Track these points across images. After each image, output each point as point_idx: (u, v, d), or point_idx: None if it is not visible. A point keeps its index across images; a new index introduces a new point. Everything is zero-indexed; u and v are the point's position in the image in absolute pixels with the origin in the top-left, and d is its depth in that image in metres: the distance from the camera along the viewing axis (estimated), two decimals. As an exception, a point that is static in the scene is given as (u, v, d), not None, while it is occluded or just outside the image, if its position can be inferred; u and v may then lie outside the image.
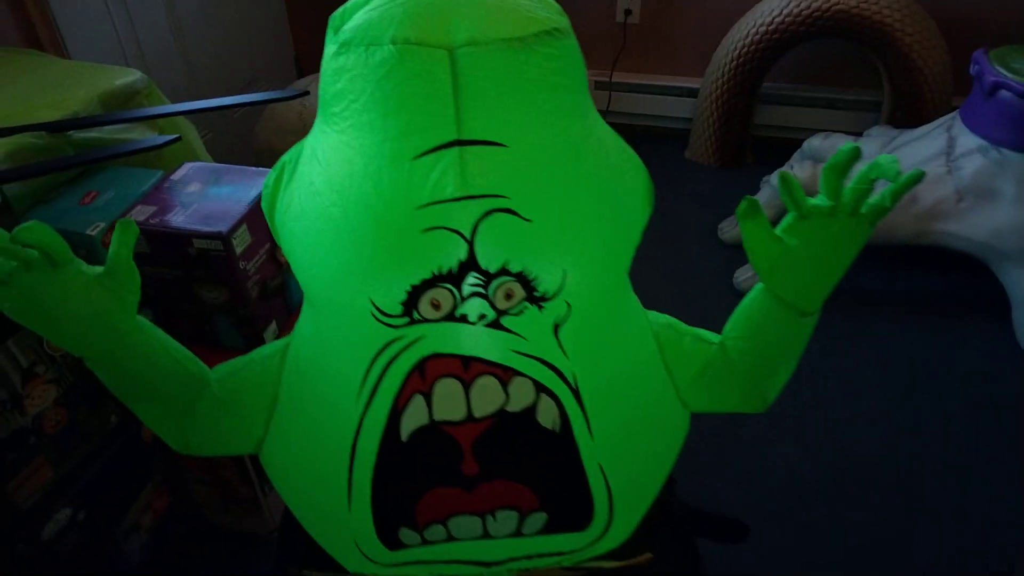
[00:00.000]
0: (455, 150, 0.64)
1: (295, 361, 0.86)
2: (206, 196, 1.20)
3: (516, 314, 0.71)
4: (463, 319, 0.70)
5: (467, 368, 0.72)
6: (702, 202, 2.33)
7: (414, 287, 0.68)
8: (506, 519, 0.81)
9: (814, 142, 2.11)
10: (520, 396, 0.74)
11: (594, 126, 0.74)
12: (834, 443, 1.58)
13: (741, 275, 1.95)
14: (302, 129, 1.93)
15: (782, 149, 2.18)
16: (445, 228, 0.65)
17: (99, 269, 0.80)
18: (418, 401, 0.74)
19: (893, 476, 1.51)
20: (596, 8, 2.51)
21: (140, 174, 1.27)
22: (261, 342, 1.25)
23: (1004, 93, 1.62)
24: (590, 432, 0.79)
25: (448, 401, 0.73)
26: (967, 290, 1.94)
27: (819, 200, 0.80)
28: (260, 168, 1.29)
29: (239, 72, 2.27)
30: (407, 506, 0.80)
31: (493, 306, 0.70)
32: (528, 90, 0.65)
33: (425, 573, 0.88)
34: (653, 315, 0.93)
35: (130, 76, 1.33)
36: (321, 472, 0.84)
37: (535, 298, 0.70)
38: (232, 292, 1.19)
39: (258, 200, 1.19)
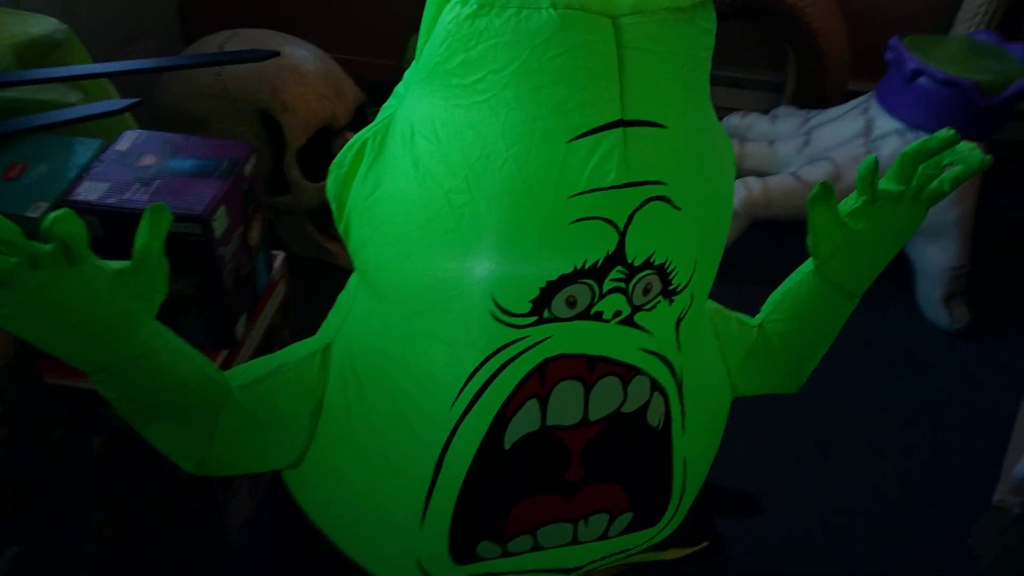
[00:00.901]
0: (619, 131, 0.57)
1: (348, 363, 0.75)
2: (168, 171, 1.03)
3: (649, 309, 0.66)
4: (597, 316, 0.64)
5: (592, 369, 0.66)
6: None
7: (550, 283, 0.61)
8: (597, 522, 0.76)
9: (732, 120, 2.18)
10: (637, 396, 0.70)
11: (710, 108, 0.69)
12: (794, 407, 1.65)
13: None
14: (222, 92, 1.73)
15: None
16: (599, 219, 0.59)
17: (120, 265, 0.66)
18: (532, 406, 0.67)
19: (810, 433, 1.60)
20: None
21: (73, 144, 1.06)
22: (231, 337, 1.11)
23: (924, 80, 1.74)
24: (683, 427, 0.76)
25: (566, 405, 0.67)
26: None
27: (889, 184, 0.82)
28: (223, 140, 1.13)
29: (122, 25, 1.98)
30: (497, 518, 0.73)
31: (630, 302, 0.64)
32: (684, 65, 0.60)
33: (490, 584, 0.82)
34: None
35: (48, 25, 1.11)
36: (389, 488, 0.75)
37: (669, 292, 0.66)
38: (205, 283, 1.04)
39: (236, 176, 1.04)
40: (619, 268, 0.62)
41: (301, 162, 1.73)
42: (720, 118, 0.70)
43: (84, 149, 1.06)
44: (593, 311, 0.64)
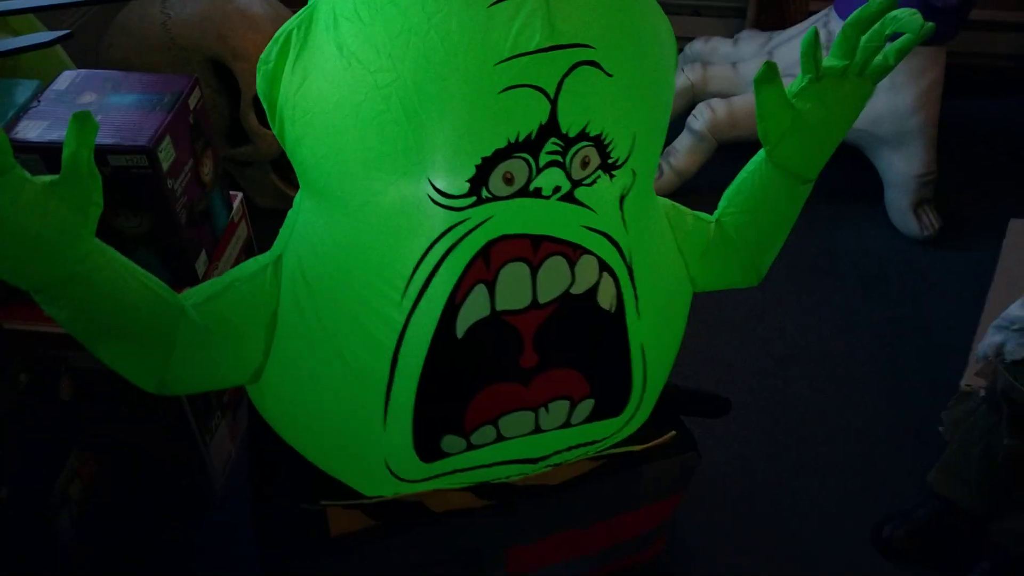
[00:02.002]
0: (539, -7, 0.56)
1: (298, 272, 0.75)
2: (109, 107, 1.01)
3: (589, 184, 0.65)
4: (536, 193, 0.64)
5: (537, 249, 0.66)
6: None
7: (485, 159, 0.61)
8: (558, 410, 0.77)
9: (695, 45, 2.16)
10: (585, 276, 0.70)
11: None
12: (759, 327, 1.67)
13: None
14: (169, 43, 1.69)
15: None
16: (528, 86, 0.58)
17: (50, 177, 0.65)
18: (480, 291, 0.67)
19: (818, 352, 1.62)
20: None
21: (10, 86, 1.04)
22: (193, 276, 1.10)
23: (879, -14, 1.73)
24: (638, 311, 0.77)
25: (514, 288, 0.67)
26: (840, 178, 2.10)
27: (833, 60, 0.81)
28: (165, 75, 1.10)
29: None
30: (457, 410, 0.74)
31: (569, 176, 0.64)
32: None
33: (457, 482, 0.83)
34: (659, 198, 0.91)
35: (-26, -34, 1.07)
36: (348, 391, 0.75)
37: (608, 165, 0.65)
38: (157, 218, 1.03)
39: (179, 108, 1.02)
40: (554, 140, 0.61)
41: (258, 110, 1.70)
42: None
43: (22, 91, 1.04)
44: (532, 187, 0.63)
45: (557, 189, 0.64)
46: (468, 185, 0.62)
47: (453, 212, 0.63)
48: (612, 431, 0.86)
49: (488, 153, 0.60)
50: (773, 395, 1.52)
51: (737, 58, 2.07)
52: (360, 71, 0.60)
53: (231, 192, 1.25)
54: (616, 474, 0.97)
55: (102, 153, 0.95)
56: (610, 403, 0.81)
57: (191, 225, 1.08)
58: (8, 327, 1.00)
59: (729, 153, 1.95)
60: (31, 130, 0.96)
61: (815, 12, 2.11)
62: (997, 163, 2.18)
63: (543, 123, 0.60)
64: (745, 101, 1.89)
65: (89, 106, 1.01)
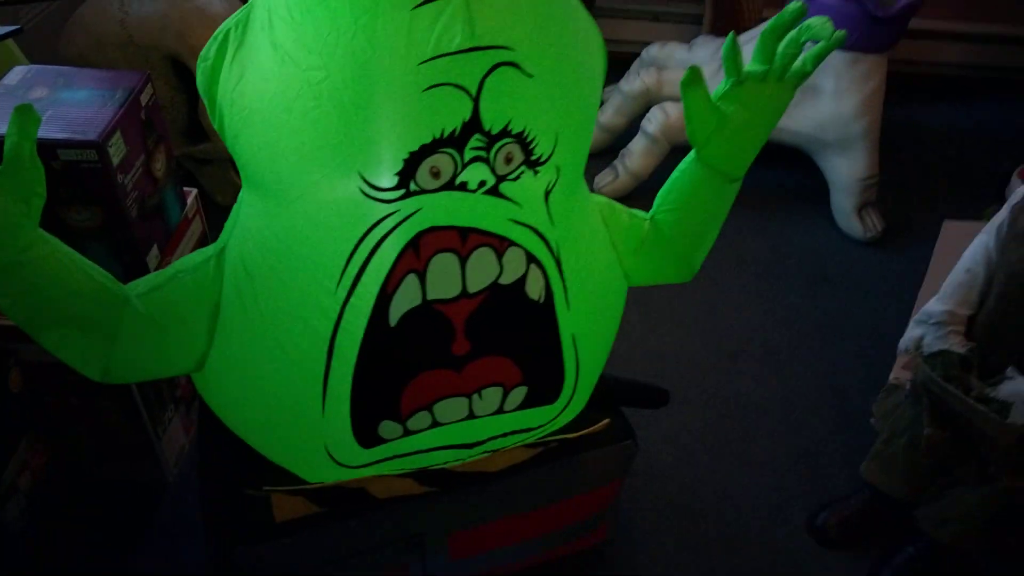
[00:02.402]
0: (460, -3, 0.60)
1: (239, 263, 0.77)
2: (60, 101, 1.03)
3: (514, 179, 0.69)
4: (463, 187, 0.67)
5: (464, 241, 0.70)
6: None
7: (412, 154, 0.64)
8: (491, 396, 0.81)
9: (652, 50, 2.21)
10: (513, 267, 0.73)
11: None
12: (708, 324, 1.72)
13: (599, 182, 2.03)
14: (127, 40, 1.70)
15: (616, 61, 2.26)
16: (450, 84, 0.62)
17: (-8, 168, 0.67)
18: (411, 281, 0.70)
19: (762, 349, 1.67)
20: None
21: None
22: (144, 269, 1.11)
23: (823, -4, 1.79)
24: (567, 303, 0.80)
25: (443, 278, 0.71)
26: (788, 181, 2.17)
27: (753, 66, 0.85)
28: (117, 71, 1.12)
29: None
30: (392, 396, 0.77)
31: (493, 171, 0.67)
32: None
33: (396, 467, 0.86)
34: (594, 196, 0.95)
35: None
36: (287, 378, 0.77)
37: (531, 161, 0.69)
38: (108, 212, 1.04)
39: (131, 103, 1.04)
40: (477, 136, 0.65)
41: (216, 108, 1.71)
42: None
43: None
44: (458, 181, 0.67)
45: (482, 183, 0.68)
46: (397, 179, 0.65)
47: (383, 204, 0.67)
48: (547, 419, 0.90)
49: (415, 148, 0.64)
50: (718, 390, 1.57)
51: (692, 63, 2.12)
52: (293, 68, 0.63)
53: (185, 188, 1.27)
54: (555, 461, 1.00)
55: (52, 147, 0.97)
56: (543, 391, 0.85)
57: (142, 219, 1.10)
58: (-44, 319, 1.01)
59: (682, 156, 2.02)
60: (-20, 124, 0.97)
61: (768, 19, 2.18)
62: (939, 167, 2.26)
63: (466, 120, 0.64)
64: (696, 105, 1.94)
65: (40, 101, 1.03)
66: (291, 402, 0.79)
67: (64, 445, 1.20)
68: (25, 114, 0.66)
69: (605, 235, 0.91)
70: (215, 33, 0.68)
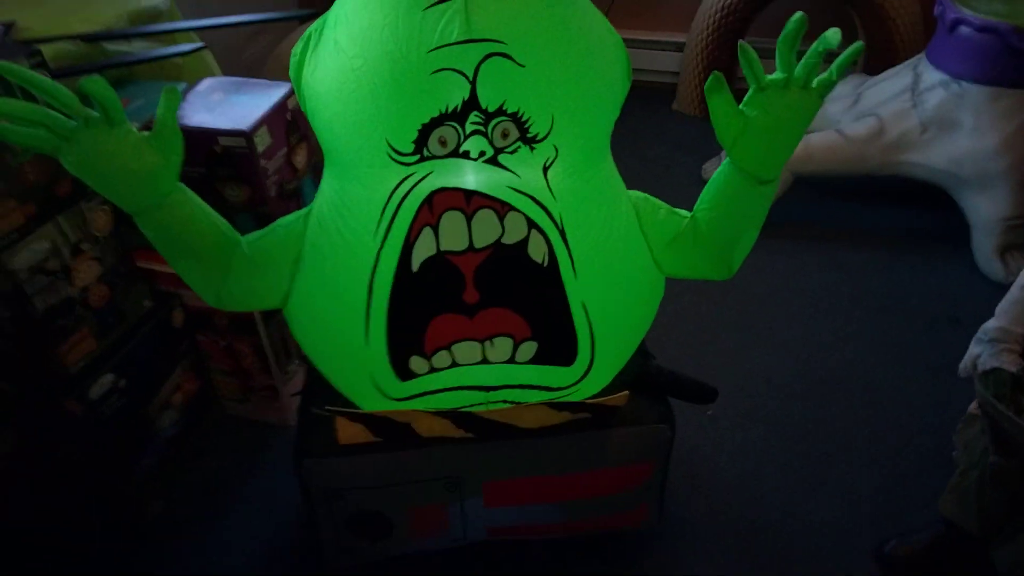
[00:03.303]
0: (461, 1, 0.76)
1: (318, 219, 0.98)
2: (229, 102, 1.32)
3: (511, 152, 0.83)
4: (466, 155, 0.83)
5: (469, 202, 0.85)
6: (687, 149, 2.45)
7: (424, 125, 0.81)
8: (502, 345, 0.94)
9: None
10: (514, 229, 0.87)
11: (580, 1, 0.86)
12: (807, 352, 1.71)
13: (708, 167, 2.08)
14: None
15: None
16: (451, 69, 0.78)
17: (146, 133, 0.92)
18: (427, 233, 0.86)
19: (861, 382, 1.64)
20: (588, -34, 2.63)
21: (167, 86, 1.38)
22: (279, 240, 1.37)
23: (963, 29, 1.74)
24: (574, 271, 0.92)
25: (453, 232, 0.86)
26: (928, 220, 2.08)
27: (775, 75, 0.93)
28: (277, 81, 1.41)
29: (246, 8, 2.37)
30: (417, 332, 0.93)
31: (491, 143, 0.82)
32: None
33: (431, 404, 1.01)
34: (632, 191, 1.06)
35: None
36: (341, 311, 0.96)
37: (528, 139, 0.83)
38: (253, 190, 1.31)
39: (278, 105, 1.31)
40: (476, 113, 0.80)
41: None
42: None
43: (179, 89, 1.37)
44: (461, 150, 0.82)
45: (482, 153, 0.82)
46: (413, 145, 0.82)
47: (404, 167, 0.84)
48: (567, 382, 1.01)
49: (426, 120, 0.80)
50: (803, 413, 1.56)
51: (827, 97, 2.12)
52: (343, 58, 0.82)
53: (326, 182, 1.53)
54: (585, 431, 1.11)
55: (215, 135, 1.25)
56: (555, 351, 0.96)
57: (280, 199, 1.36)
58: (140, 265, 1.32)
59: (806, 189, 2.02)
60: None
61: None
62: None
63: (466, 99, 0.79)
64: (823, 137, 1.95)
65: (217, 102, 1.33)
66: (342, 333, 0.97)
67: (209, 379, 1.48)
68: (171, 94, 0.91)
69: (632, 225, 1.02)
70: (302, 36, 0.90)
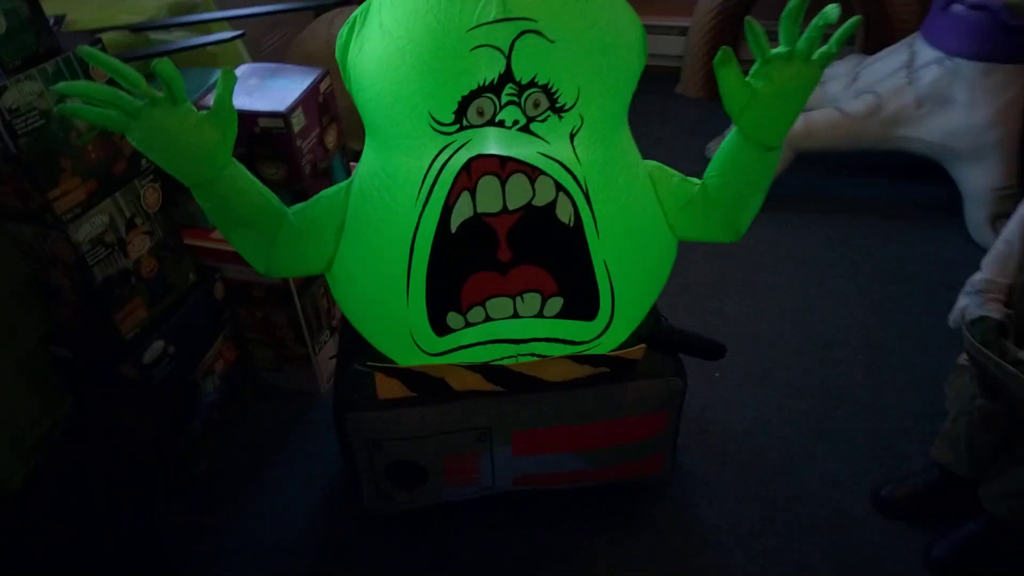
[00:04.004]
0: (496, -18, 0.85)
1: (359, 188, 1.07)
2: (265, 87, 1.41)
3: (542, 121, 0.92)
4: (501, 124, 0.92)
5: (503, 167, 0.94)
6: (692, 130, 2.54)
7: (464, 97, 0.90)
8: (531, 300, 1.03)
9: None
10: (544, 192, 0.96)
11: (600, -20, 0.95)
12: (810, 317, 1.80)
13: (711, 146, 2.18)
14: (330, 56, 2.13)
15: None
16: (489, 46, 0.87)
17: (205, 112, 1.01)
18: (465, 197, 0.95)
19: (860, 343, 1.73)
20: (592, -47, 2.71)
21: (206, 72, 1.48)
22: (313, 215, 1.46)
23: (957, 7, 1.83)
24: (597, 230, 1.01)
25: (488, 195, 0.95)
26: (924, 193, 2.17)
27: (779, 48, 1.01)
28: (309, 67, 1.49)
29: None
30: (454, 290, 1.02)
31: (524, 113, 0.91)
32: (549, -59, 0.87)
33: (465, 358, 1.10)
34: (647, 161, 1.15)
35: (192, -8, 1.53)
36: (384, 271, 1.05)
37: (556, 108, 0.92)
38: (290, 168, 1.40)
39: (311, 89, 1.40)
40: (511, 85, 0.89)
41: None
42: None
43: (212, 75, 1.46)
44: (497, 119, 0.91)
45: (516, 122, 0.91)
46: (453, 116, 0.91)
47: (444, 136, 0.93)
48: (589, 336, 1.10)
49: (465, 92, 0.89)
50: (806, 374, 1.66)
51: (826, 77, 2.21)
52: (389, 38, 0.91)
53: (352, 163, 1.62)
54: (607, 383, 1.20)
55: (255, 117, 1.34)
56: (579, 305, 1.05)
57: (314, 177, 1.45)
58: (187, 242, 1.41)
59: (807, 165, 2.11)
60: (211, 100, 1.36)
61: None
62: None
63: (501, 72, 0.88)
64: (824, 114, 2.04)
65: (254, 86, 1.41)
66: (385, 293, 1.06)
67: (246, 349, 1.58)
68: (227, 75, 1.00)
69: (648, 190, 1.11)
70: (348, 19, 0.99)
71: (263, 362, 1.62)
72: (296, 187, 1.43)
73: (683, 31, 2.73)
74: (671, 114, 2.64)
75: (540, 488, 1.37)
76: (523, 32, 0.87)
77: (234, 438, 1.55)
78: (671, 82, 2.80)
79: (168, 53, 1.41)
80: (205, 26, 1.52)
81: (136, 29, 1.38)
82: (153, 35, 1.42)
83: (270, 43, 2.45)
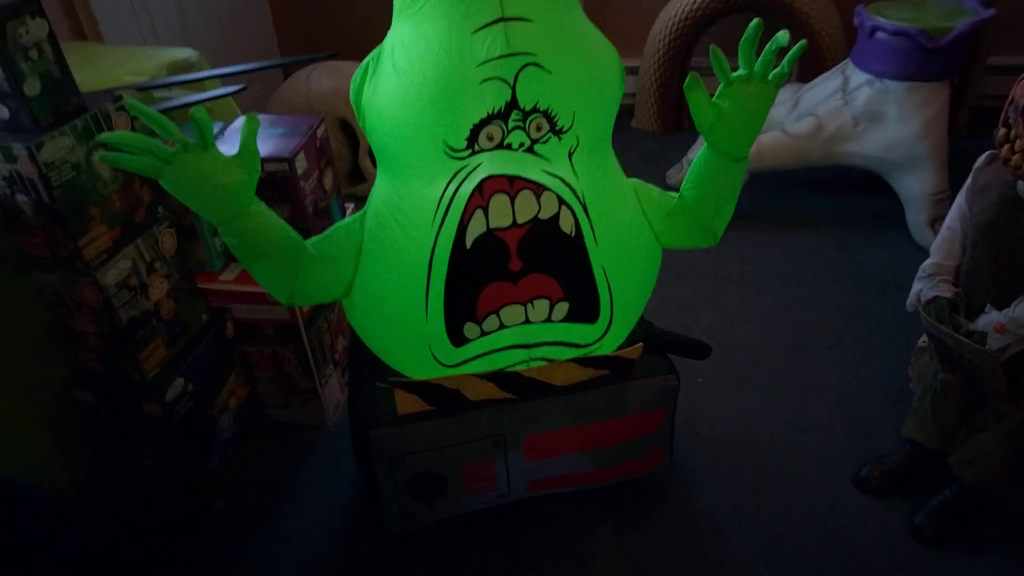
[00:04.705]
0: (501, 24, 0.97)
1: (375, 216, 1.17)
2: (267, 135, 1.51)
3: (544, 142, 1.04)
4: (508, 147, 1.03)
5: (512, 185, 1.05)
6: (649, 160, 2.71)
7: (475, 125, 1.01)
8: (541, 306, 1.13)
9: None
10: (548, 206, 1.07)
11: (584, 17, 1.09)
12: (779, 322, 1.94)
13: (671, 174, 2.38)
14: (310, 108, 2.25)
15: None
16: (496, 78, 0.99)
17: (233, 155, 1.10)
18: (478, 214, 1.06)
19: (828, 340, 1.87)
20: None
21: (248, 113, 1.57)
22: (315, 253, 1.55)
23: (880, 34, 2.03)
24: (595, 239, 1.13)
25: (500, 211, 1.06)
26: (868, 203, 2.36)
27: (739, 71, 1.15)
28: (304, 115, 1.60)
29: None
30: (471, 301, 1.12)
31: (528, 136, 1.03)
32: (545, -13, 1.00)
33: (480, 367, 1.20)
34: (629, 179, 1.27)
35: (187, 52, 1.63)
36: (403, 290, 1.14)
37: (556, 130, 1.04)
38: (293, 208, 1.50)
39: (310, 135, 1.50)
40: (516, 111, 1.01)
41: (372, 156, 2.20)
42: None
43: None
44: (505, 143, 1.03)
45: (522, 144, 1.03)
46: (466, 142, 1.02)
47: (458, 160, 1.04)
48: (591, 339, 1.21)
49: (476, 121, 1.01)
50: (781, 373, 1.79)
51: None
52: (404, 78, 1.02)
53: (345, 203, 1.72)
54: (608, 385, 1.30)
55: (262, 161, 1.43)
56: (583, 309, 1.16)
57: (315, 216, 1.54)
58: (200, 285, 1.48)
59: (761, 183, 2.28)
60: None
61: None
62: None
63: (508, 101, 1.00)
64: (771, 137, 2.22)
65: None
66: (404, 311, 1.15)
67: (257, 386, 1.64)
68: (252, 120, 1.10)
69: (634, 202, 1.23)
70: (361, 64, 1.10)
71: (270, 399, 1.68)
72: (300, 226, 1.50)
73: (633, 70, 2.92)
74: (630, 147, 2.81)
75: (552, 492, 1.45)
76: (525, 65, 0.99)
77: (248, 474, 1.60)
78: (627, 118, 2.99)
79: (171, 109, 1.50)
80: (200, 83, 1.62)
81: (141, 88, 1.47)
82: (156, 93, 1.51)
83: (249, 96, 2.55)
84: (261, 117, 1.58)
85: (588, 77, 1.06)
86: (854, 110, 2.12)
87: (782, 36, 1.11)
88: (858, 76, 2.14)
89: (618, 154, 1.25)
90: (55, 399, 1.39)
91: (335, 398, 1.73)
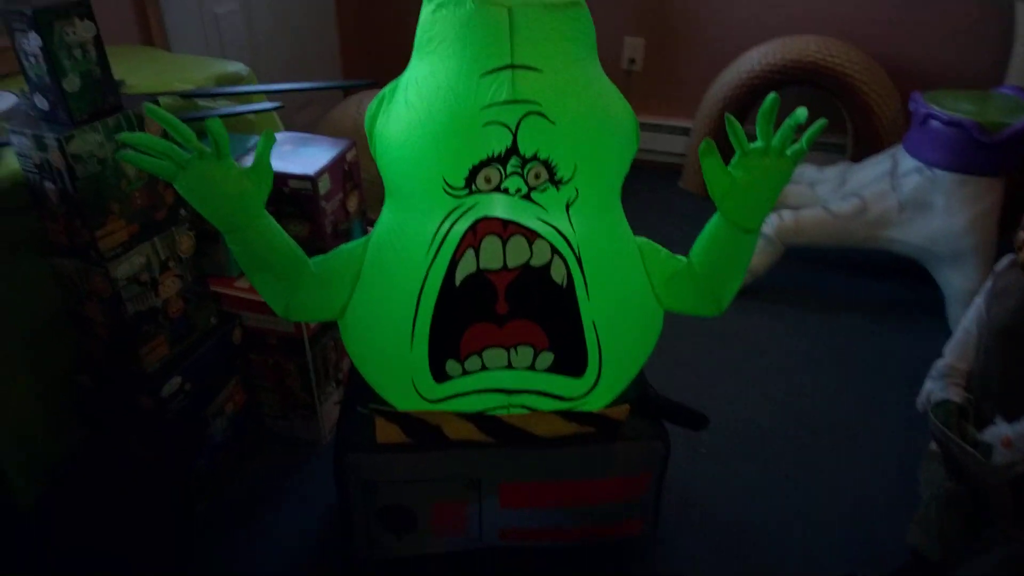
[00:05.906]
0: (508, 71, 0.99)
1: (376, 242, 1.19)
2: (297, 153, 1.55)
3: (541, 191, 1.04)
4: (505, 191, 1.04)
5: (505, 229, 1.05)
6: (692, 222, 2.63)
7: (474, 166, 1.02)
8: (524, 353, 1.12)
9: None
10: (540, 254, 1.07)
11: (599, 73, 1.09)
12: (796, 403, 1.88)
13: None
14: (356, 131, 2.31)
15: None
16: (498, 123, 1.00)
17: (247, 167, 1.14)
18: (470, 253, 1.07)
19: (842, 430, 1.80)
20: (603, 58, 2.93)
21: (245, 137, 1.63)
22: (329, 272, 1.58)
23: (934, 123, 1.98)
24: (587, 293, 1.12)
25: (491, 253, 1.06)
26: (908, 291, 2.28)
27: (756, 143, 1.14)
28: (338, 138, 1.64)
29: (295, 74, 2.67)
30: (454, 338, 1.11)
31: (526, 183, 1.03)
32: (557, 38, 1.01)
33: (462, 406, 1.19)
34: (638, 237, 1.26)
35: (238, 66, 1.70)
36: (392, 318, 1.15)
37: (555, 180, 1.04)
38: (313, 227, 1.53)
39: (338, 158, 1.54)
40: (515, 158, 1.01)
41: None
42: None
43: (250, 140, 1.61)
44: (503, 187, 1.03)
45: (518, 190, 1.03)
46: (464, 182, 1.03)
47: (455, 199, 1.05)
48: (577, 393, 1.19)
49: (475, 162, 1.02)
50: (787, 455, 1.72)
51: (816, 180, 2.37)
52: (413, 112, 1.04)
53: (369, 228, 1.75)
54: (592, 443, 1.27)
55: (286, 178, 1.48)
56: (568, 361, 1.15)
57: (335, 237, 1.57)
58: (214, 289, 1.52)
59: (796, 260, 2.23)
60: (247, 162, 1.50)
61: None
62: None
63: (508, 147, 1.01)
64: (813, 213, 2.17)
65: (288, 152, 1.56)
66: (391, 340, 1.16)
67: (255, 395, 1.66)
68: (269, 136, 1.13)
69: (637, 261, 1.22)
70: (376, 96, 1.13)
71: (270, 408, 1.70)
72: (317, 244, 1.55)
73: (686, 131, 2.91)
74: (673, 206, 2.79)
75: (525, 545, 1.42)
76: (528, 113, 1.00)
77: (235, 481, 1.61)
78: (675, 176, 2.97)
79: (196, 119, 1.56)
80: (247, 96, 1.69)
81: (186, 95, 1.54)
82: (201, 101, 1.58)
83: (301, 117, 2.63)
84: (297, 136, 1.63)
85: (594, 131, 1.06)
86: (901, 196, 2.07)
87: (800, 113, 1.10)
88: (908, 162, 2.09)
89: (661, 213, 1.24)
90: (58, 379, 1.43)
91: (333, 416, 1.74)
